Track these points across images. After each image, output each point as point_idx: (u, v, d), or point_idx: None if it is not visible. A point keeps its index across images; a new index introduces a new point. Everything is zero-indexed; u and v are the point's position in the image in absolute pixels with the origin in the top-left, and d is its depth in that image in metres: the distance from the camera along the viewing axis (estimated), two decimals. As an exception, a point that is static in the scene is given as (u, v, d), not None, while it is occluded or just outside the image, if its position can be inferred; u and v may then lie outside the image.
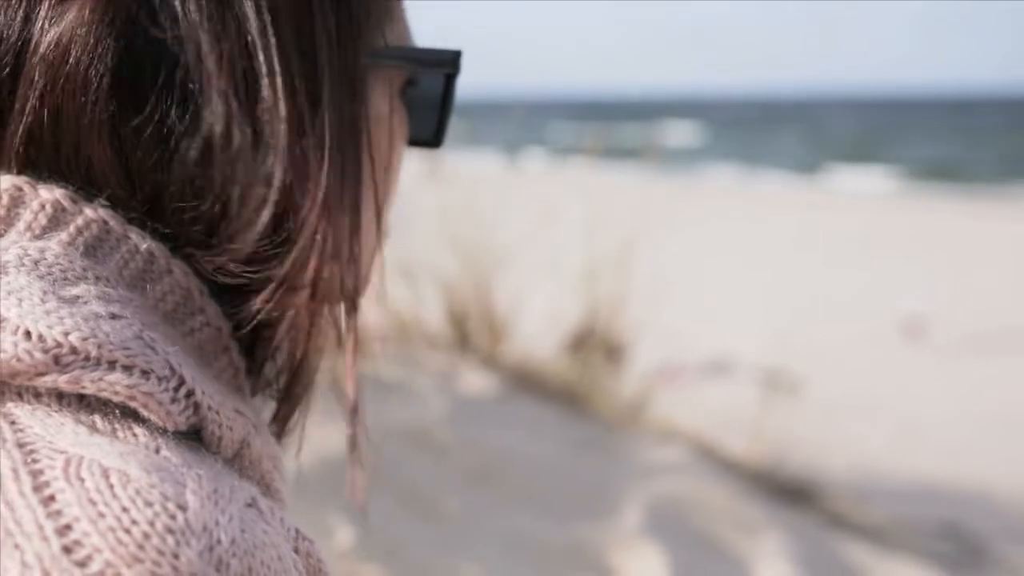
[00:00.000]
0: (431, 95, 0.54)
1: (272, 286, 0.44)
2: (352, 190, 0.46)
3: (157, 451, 0.37)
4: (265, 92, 0.42)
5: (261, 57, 0.42)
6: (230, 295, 0.45)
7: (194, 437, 0.40)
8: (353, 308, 0.49)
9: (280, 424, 0.51)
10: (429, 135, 0.56)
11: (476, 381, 3.88)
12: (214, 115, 0.42)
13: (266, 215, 0.43)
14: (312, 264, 0.44)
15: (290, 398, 0.50)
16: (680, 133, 40.74)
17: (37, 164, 0.44)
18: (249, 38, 0.42)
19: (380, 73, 0.49)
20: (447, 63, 0.53)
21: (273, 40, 0.42)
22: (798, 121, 54.78)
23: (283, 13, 0.43)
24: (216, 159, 0.43)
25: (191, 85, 0.42)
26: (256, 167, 0.42)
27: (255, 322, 0.46)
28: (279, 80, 0.42)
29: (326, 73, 0.44)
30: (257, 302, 0.45)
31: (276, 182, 0.43)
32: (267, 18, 0.42)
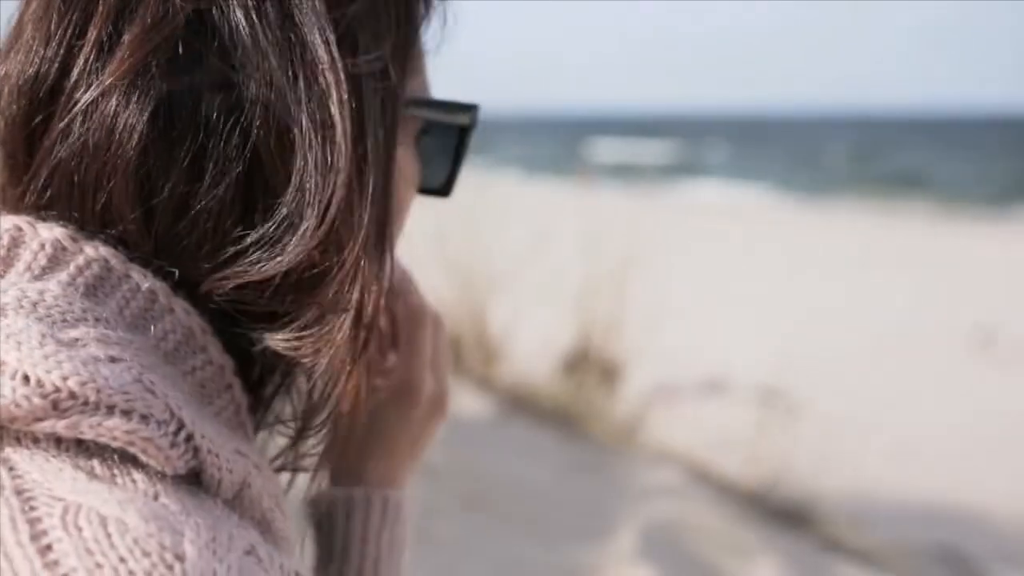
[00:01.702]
0: (445, 145, 0.56)
1: (312, 319, 0.45)
2: (382, 231, 0.47)
3: (156, 497, 0.36)
4: (337, 141, 0.43)
5: (334, 108, 0.43)
6: (246, 330, 0.45)
7: (194, 480, 0.40)
8: (367, 339, 0.48)
9: (296, 458, 0.51)
10: (440, 184, 0.57)
11: (470, 404, 3.87)
12: (278, 155, 0.43)
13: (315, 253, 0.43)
14: (335, 303, 0.45)
15: (307, 433, 0.50)
16: (675, 150, 40.92)
17: (54, 195, 0.44)
18: (315, 83, 0.43)
19: (400, 120, 0.50)
20: (464, 115, 0.55)
21: (331, 86, 0.43)
22: (794, 137, 55.09)
23: (337, 61, 0.44)
24: (264, 195, 0.43)
25: (246, 124, 0.42)
26: (316, 209, 0.43)
27: (273, 359, 0.46)
28: (347, 131, 0.43)
29: (370, 121, 0.45)
30: (283, 340, 0.45)
31: (328, 220, 0.43)
32: (331, 64, 0.43)
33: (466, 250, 4.14)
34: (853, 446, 5.28)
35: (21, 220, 0.43)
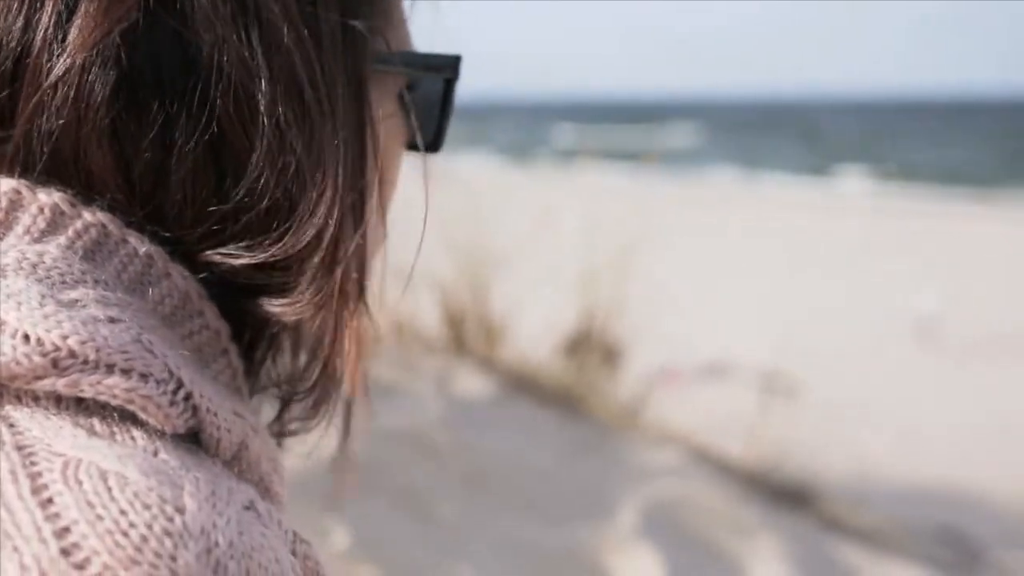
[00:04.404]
0: (430, 100, 0.54)
1: (298, 289, 0.45)
2: (358, 194, 0.47)
3: (155, 454, 0.37)
4: (295, 104, 0.43)
5: (288, 68, 0.43)
6: (233, 295, 0.45)
7: (193, 440, 0.40)
8: (356, 309, 0.48)
9: (283, 424, 0.51)
10: (428, 140, 0.56)
11: (472, 384, 3.88)
12: (237, 120, 0.42)
13: (317, 222, 0.43)
14: (324, 268, 0.44)
15: (298, 398, 0.50)
16: (679, 136, 40.79)
17: (36, 169, 0.44)
18: (272, 43, 0.43)
19: (379, 77, 0.50)
20: (446, 68, 0.53)
21: (291, 46, 0.43)
22: (798, 124, 54.86)
23: (295, 17, 0.43)
24: (232, 163, 0.43)
25: (204, 89, 0.42)
26: (280, 172, 0.43)
27: (262, 324, 0.46)
28: (308, 93, 0.43)
29: (334, 78, 0.45)
30: (278, 305, 0.45)
31: (306, 193, 0.43)
32: (288, 22, 0.43)
33: (469, 231, 4.13)
34: (853, 427, 5.29)
35: (20, 184, 0.43)
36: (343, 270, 0.45)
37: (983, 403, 6.29)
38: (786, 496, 3.73)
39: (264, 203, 0.43)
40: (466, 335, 4.26)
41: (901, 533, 3.77)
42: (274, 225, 0.44)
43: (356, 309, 0.48)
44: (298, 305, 0.45)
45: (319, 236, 0.44)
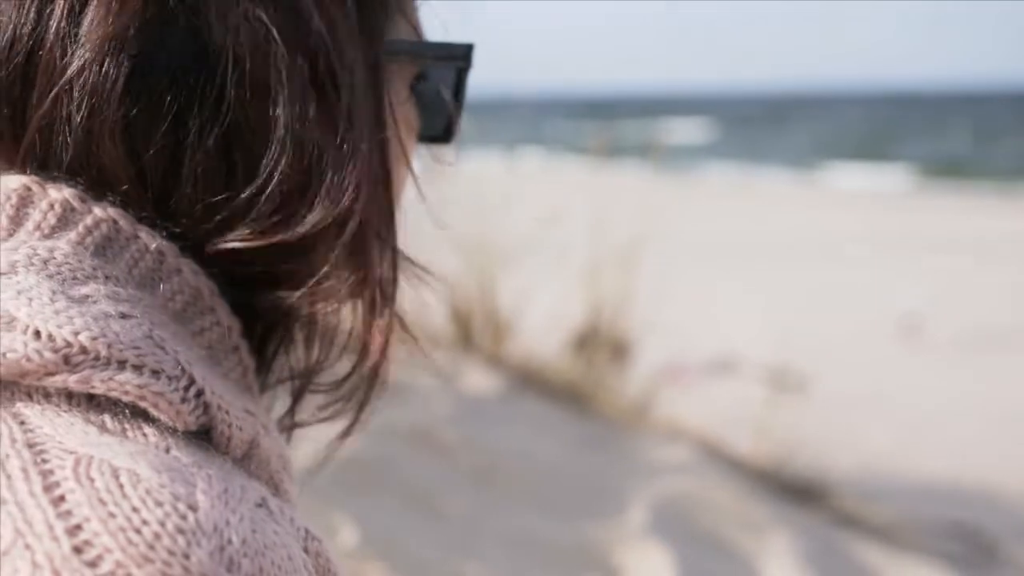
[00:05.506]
0: (442, 90, 0.54)
1: (313, 279, 0.45)
2: (379, 182, 0.46)
3: (167, 451, 0.36)
4: (311, 86, 0.42)
5: (303, 51, 0.42)
6: (246, 289, 0.45)
7: (204, 437, 0.40)
8: (390, 300, 0.48)
9: (292, 419, 0.51)
10: (440, 130, 0.55)
11: (480, 380, 3.88)
12: (254, 109, 0.42)
13: (322, 209, 0.43)
14: (350, 255, 0.44)
15: (324, 389, 0.50)
16: (684, 130, 40.74)
17: (48, 163, 0.43)
18: (289, 32, 0.42)
19: (391, 67, 0.49)
20: (459, 57, 0.53)
21: (308, 34, 0.43)
22: (803, 118, 54.76)
23: (312, 9, 0.43)
24: (244, 153, 0.43)
25: (218, 79, 0.42)
26: (298, 158, 0.43)
27: (275, 318, 0.46)
28: (319, 74, 0.43)
29: (353, 65, 0.44)
30: (294, 295, 0.45)
31: (327, 178, 0.43)
32: (304, 10, 0.43)
33: (476, 227, 4.13)
34: (863, 422, 5.28)
35: (30, 180, 0.43)
36: (373, 258, 0.45)
37: (993, 398, 6.27)
38: (796, 492, 3.72)
39: (282, 188, 0.43)
40: (473, 331, 4.26)
41: (913, 528, 3.76)
42: (289, 208, 0.43)
43: (390, 300, 0.48)
44: (303, 298, 0.45)
45: (342, 221, 0.44)
